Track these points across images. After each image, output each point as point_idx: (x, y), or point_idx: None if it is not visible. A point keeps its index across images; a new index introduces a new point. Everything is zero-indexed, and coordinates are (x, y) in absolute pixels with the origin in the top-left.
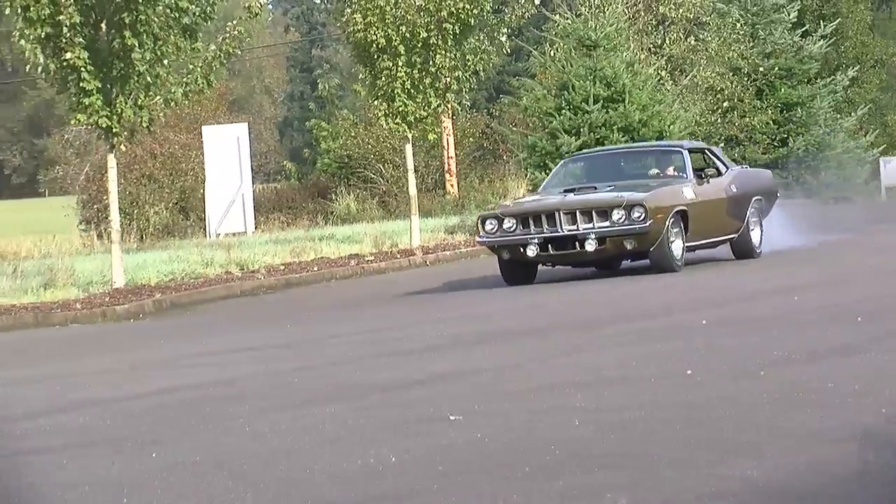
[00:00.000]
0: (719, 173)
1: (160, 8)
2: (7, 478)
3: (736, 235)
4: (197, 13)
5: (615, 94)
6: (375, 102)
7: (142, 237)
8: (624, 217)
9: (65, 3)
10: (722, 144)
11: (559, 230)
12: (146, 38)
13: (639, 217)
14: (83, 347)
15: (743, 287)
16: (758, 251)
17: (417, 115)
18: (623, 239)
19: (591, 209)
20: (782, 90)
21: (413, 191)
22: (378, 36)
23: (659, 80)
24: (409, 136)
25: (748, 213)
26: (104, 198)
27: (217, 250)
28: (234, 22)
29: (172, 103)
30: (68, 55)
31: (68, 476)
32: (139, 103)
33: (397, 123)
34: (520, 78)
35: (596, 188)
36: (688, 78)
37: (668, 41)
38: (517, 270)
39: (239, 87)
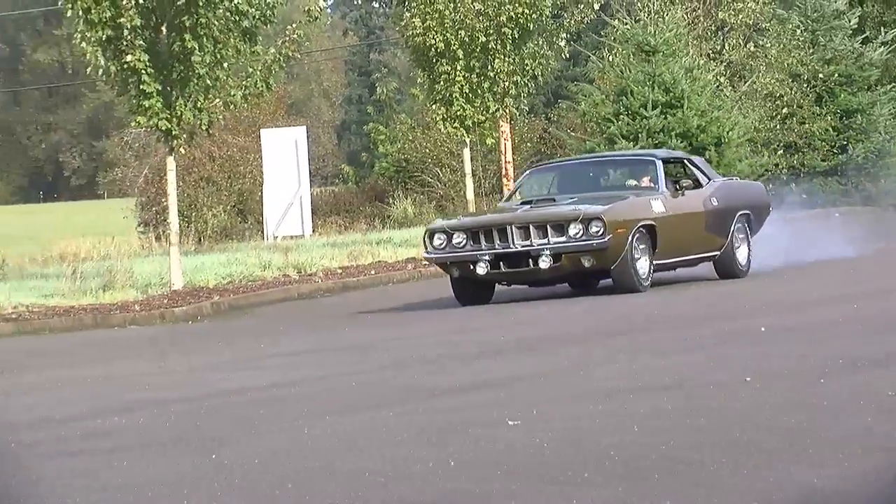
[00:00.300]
0: (699, 185)
1: (220, 11)
2: (68, 477)
3: (718, 253)
4: (256, 16)
5: (674, 100)
6: (434, 106)
7: (200, 239)
8: (581, 232)
9: (126, 6)
10: (781, 151)
11: (511, 246)
12: (206, 40)
13: (597, 232)
14: (142, 349)
15: (799, 296)
16: (744, 270)
17: (476, 120)
18: (580, 255)
19: (545, 223)
20: (842, 97)
21: (470, 195)
22: (437, 40)
23: (718, 86)
24: (467, 140)
25: (732, 228)
26: (163, 200)
27: (274, 253)
28: (294, 25)
29: (231, 106)
30: (129, 58)
31: (128, 476)
32: (199, 106)
33: (455, 128)
34: (578, 83)
35: (555, 200)
36: (747, 84)
37: (727, 47)
38: (470, 289)
39: (297, 90)
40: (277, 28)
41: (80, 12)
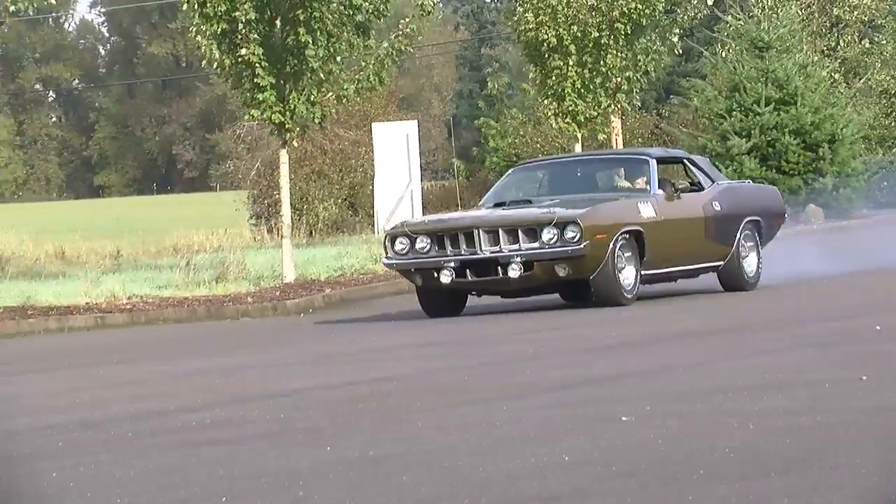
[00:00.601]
0: (699, 188)
1: (334, 5)
2: (187, 469)
3: (722, 263)
4: (370, 10)
5: (787, 97)
6: (545, 102)
7: (311, 232)
8: (555, 237)
9: (240, 0)
10: None
11: (479, 252)
12: (320, 34)
13: (573, 237)
14: (256, 340)
15: None
16: (751, 282)
17: (587, 115)
18: (554, 263)
19: (516, 227)
20: None
21: None
22: (549, 35)
23: (832, 83)
24: (579, 135)
25: (738, 236)
26: (274, 193)
27: None
28: (407, 20)
29: (344, 100)
30: (243, 51)
31: (243, 467)
32: (312, 99)
33: (567, 123)
34: (690, 79)
35: (531, 202)
36: (861, 81)
37: (841, 43)
38: (436, 300)
39: (408, 84)
40: (390, 22)
41: (196, 6)
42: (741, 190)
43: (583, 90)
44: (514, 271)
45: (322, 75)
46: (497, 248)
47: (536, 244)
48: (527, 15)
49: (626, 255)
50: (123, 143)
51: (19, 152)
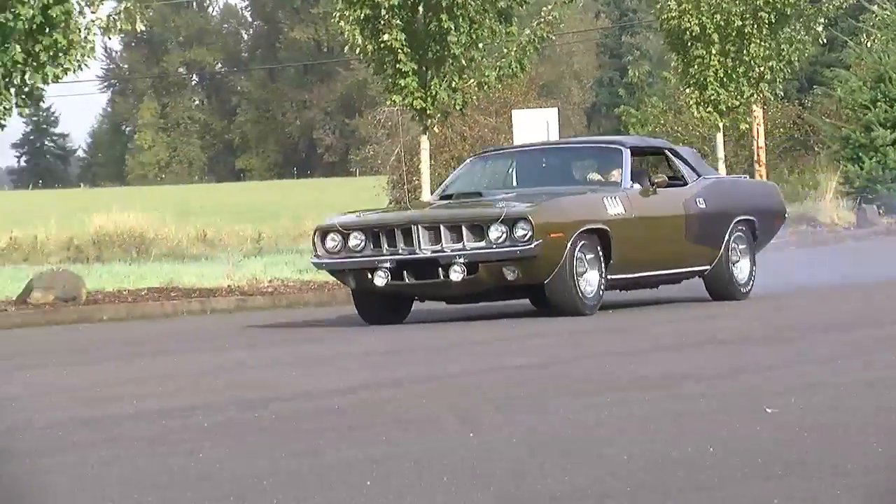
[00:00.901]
0: (682, 182)
1: None
2: (346, 449)
3: (708, 268)
4: None
5: None
6: (687, 90)
7: None
8: (503, 235)
9: None
10: None
11: (418, 251)
12: (462, 21)
13: (523, 236)
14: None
15: None
16: (743, 290)
17: (729, 105)
18: (502, 265)
19: (459, 224)
20: None
21: None
22: (692, 23)
23: None
24: (720, 125)
25: (728, 238)
26: (414, 178)
27: None
28: (549, 7)
29: (485, 87)
30: (386, 37)
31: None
32: (453, 86)
33: (709, 112)
34: (834, 69)
35: (481, 195)
36: None
37: None
38: (375, 304)
39: (548, 71)
40: (532, 9)
41: None
42: (732, 185)
43: (725, 79)
44: (457, 273)
45: (464, 62)
46: (438, 248)
47: (483, 243)
48: (670, 3)
49: (588, 257)
50: (264, 127)
51: (163, 135)
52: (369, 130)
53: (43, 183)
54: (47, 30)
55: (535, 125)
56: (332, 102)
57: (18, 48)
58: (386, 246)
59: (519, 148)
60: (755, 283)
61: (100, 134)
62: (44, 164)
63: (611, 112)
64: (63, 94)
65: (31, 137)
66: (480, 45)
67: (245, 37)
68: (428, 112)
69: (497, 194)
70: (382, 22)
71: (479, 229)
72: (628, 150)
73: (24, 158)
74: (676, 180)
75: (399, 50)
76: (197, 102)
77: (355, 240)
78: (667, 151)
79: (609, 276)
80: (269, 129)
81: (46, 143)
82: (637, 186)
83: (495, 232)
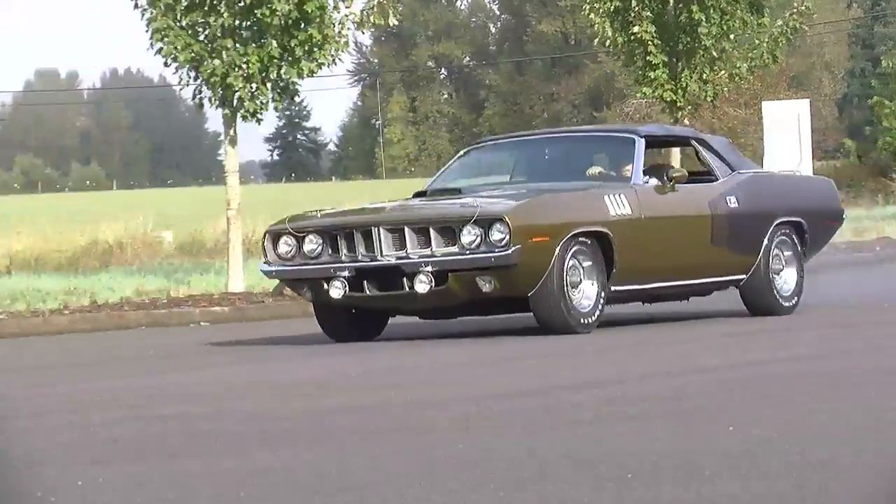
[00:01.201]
0: (711, 177)
1: None
2: (593, 446)
3: (743, 277)
4: None
5: None
6: None
7: None
8: (478, 239)
9: None
10: None
11: (379, 257)
12: (713, 12)
13: (500, 240)
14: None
15: None
16: (787, 304)
17: None
18: (475, 275)
19: (427, 226)
20: None
21: None
22: None
23: None
24: None
25: (768, 243)
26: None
27: None
28: None
29: (737, 78)
30: (636, 29)
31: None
32: (704, 77)
33: None
34: None
35: (461, 191)
36: None
37: None
38: (337, 318)
39: (798, 62)
40: (783, 0)
41: None
42: (773, 182)
43: None
44: (423, 284)
45: (714, 53)
46: (403, 254)
47: (454, 248)
48: None
49: (585, 265)
50: (512, 120)
51: (412, 128)
52: (617, 123)
53: (295, 176)
54: (302, 25)
55: (786, 117)
56: (580, 95)
57: (275, 43)
58: (345, 251)
59: (518, 137)
60: (803, 296)
61: (350, 128)
62: (296, 158)
63: (863, 103)
64: (315, 89)
65: (284, 132)
66: (731, 37)
67: (493, 30)
68: (678, 104)
69: (480, 191)
70: (633, 14)
71: (451, 232)
72: (642, 141)
73: (276, 152)
74: (704, 175)
75: (649, 42)
76: (445, 96)
77: (311, 244)
78: (694, 142)
79: (612, 288)
80: (517, 122)
81: (299, 137)
82: (652, 182)
83: (468, 235)
